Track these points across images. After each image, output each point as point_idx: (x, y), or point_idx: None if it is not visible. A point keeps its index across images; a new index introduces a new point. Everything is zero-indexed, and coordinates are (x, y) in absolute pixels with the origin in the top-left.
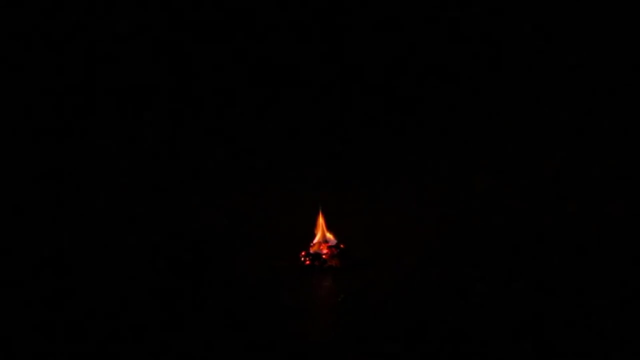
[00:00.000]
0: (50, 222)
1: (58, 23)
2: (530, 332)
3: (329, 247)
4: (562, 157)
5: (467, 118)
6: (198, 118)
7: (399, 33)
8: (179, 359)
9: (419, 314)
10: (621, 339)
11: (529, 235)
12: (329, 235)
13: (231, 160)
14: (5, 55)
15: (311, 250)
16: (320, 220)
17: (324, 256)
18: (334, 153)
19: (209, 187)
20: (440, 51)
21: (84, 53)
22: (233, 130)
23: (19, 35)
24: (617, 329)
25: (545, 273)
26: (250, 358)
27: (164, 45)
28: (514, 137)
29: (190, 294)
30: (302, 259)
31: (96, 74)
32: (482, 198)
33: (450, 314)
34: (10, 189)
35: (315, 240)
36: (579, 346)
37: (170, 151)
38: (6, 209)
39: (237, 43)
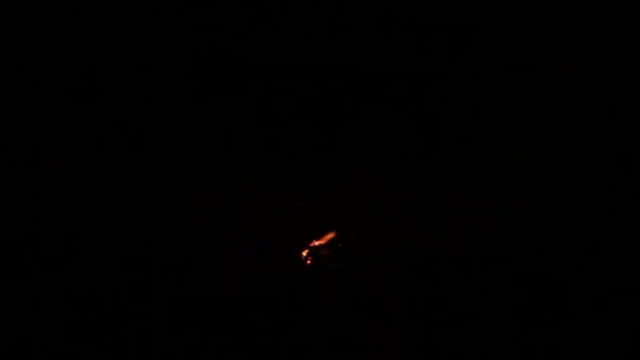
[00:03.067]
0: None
1: None
2: (526, 330)
3: (330, 247)
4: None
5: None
6: (201, 114)
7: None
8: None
9: (419, 313)
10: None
11: (530, 238)
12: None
13: (233, 159)
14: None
15: (312, 250)
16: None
17: (324, 256)
18: (335, 152)
19: (209, 186)
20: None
21: None
22: (233, 129)
23: None
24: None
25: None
26: (250, 357)
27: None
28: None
29: (191, 294)
30: (303, 258)
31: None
32: (484, 199)
33: (449, 314)
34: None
35: (317, 242)
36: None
37: (172, 148)
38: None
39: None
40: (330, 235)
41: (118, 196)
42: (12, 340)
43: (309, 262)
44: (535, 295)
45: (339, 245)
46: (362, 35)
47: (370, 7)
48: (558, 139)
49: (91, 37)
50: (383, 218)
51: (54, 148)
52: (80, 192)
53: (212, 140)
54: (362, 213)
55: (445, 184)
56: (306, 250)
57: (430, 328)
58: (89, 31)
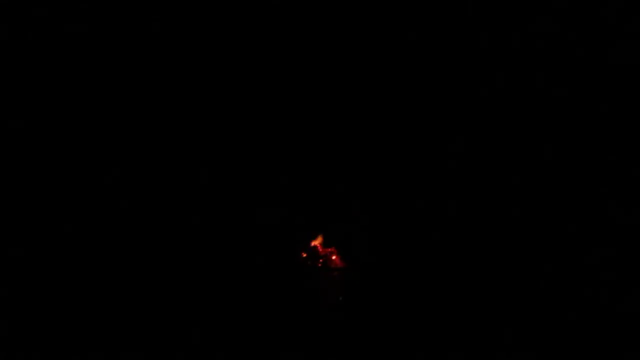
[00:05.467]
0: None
1: None
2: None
3: (328, 248)
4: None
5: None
6: (202, 116)
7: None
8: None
9: (418, 314)
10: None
11: (531, 240)
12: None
13: (233, 160)
14: None
15: (311, 252)
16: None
17: (322, 258)
18: (336, 152)
19: (210, 187)
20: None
21: None
22: (233, 129)
23: None
24: None
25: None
26: (251, 358)
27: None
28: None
29: (191, 295)
30: (302, 259)
31: None
32: (483, 203)
33: (447, 314)
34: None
35: (315, 242)
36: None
37: (171, 150)
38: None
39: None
40: (320, 239)
41: (117, 196)
42: (12, 340)
43: (309, 262)
44: (537, 297)
45: (340, 246)
46: (361, 35)
47: (370, 7)
48: (558, 139)
49: (90, 39)
50: (383, 218)
51: (54, 149)
52: (80, 191)
53: (212, 142)
54: (362, 213)
55: (446, 183)
56: (307, 251)
57: (431, 328)
58: (87, 32)
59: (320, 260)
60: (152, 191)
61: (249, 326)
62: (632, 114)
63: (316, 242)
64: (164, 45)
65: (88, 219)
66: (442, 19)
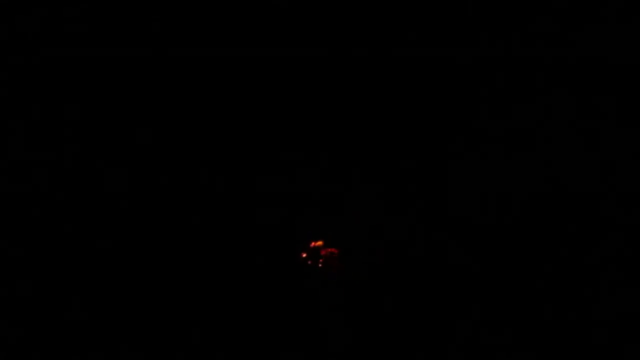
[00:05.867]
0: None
1: None
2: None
3: (329, 249)
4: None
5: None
6: (202, 116)
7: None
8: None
9: (418, 314)
10: None
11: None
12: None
13: (232, 160)
14: None
15: (311, 252)
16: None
17: (322, 258)
18: (335, 152)
19: (210, 187)
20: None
21: None
22: (232, 129)
23: None
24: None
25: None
26: (251, 358)
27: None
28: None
29: (191, 295)
30: (302, 259)
31: None
32: (483, 203)
33: (448, 315)
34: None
35: (315, 242)
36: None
37: (171, 150)
38: None
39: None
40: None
41: (117, 196)
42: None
43: (309, 262)
44: (537, 297)
45: (340, 246)
46: (360, 34)
47: (370, 5)
48: (557, 138)
49: (90, 39)
50: (383, 218)
51: (54, 149)
52: (80, 193)
53: (212, 142)
54: (362, 213)
55: (446, 183)
56: (307, 251)
57: (431, 328)
58: (87, 32)
59: (320, 260)
60: (152, 191)
61: (249, 326)
62: (632, 114)
63: (316, 243)
64: (164, 45)
65: (88, 219)
66: (442, 19)
